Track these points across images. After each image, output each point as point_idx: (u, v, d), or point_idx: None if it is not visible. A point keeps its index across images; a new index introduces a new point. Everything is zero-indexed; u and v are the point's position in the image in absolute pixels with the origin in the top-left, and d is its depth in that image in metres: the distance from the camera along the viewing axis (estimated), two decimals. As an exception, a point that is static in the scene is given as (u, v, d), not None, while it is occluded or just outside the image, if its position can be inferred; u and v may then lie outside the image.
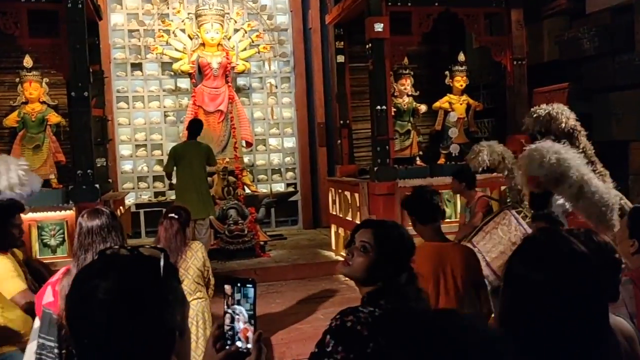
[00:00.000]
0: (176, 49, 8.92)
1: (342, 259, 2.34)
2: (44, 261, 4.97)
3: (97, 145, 7.17)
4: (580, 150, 5.04)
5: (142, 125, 9.89)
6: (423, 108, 7.87)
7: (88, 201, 5.67)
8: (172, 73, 9.51)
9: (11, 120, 6.77)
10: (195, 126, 7.35)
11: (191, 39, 8.85)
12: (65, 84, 6.33)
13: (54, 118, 6.77)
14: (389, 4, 6.76)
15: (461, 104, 7.87)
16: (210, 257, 4.42)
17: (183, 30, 8.92)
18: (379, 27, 6.59)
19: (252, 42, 9.19)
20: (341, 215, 7.85)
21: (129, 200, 9.32)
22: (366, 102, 7.98)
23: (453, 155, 7.67)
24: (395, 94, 7.69)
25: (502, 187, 6.77)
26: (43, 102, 6.81)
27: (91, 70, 6.53)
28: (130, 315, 1.03)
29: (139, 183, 9.88)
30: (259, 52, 9.35)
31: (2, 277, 3.44)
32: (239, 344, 1.29)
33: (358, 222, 7.05)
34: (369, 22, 6.64)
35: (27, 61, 6.67)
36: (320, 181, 10.11)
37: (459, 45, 8.34)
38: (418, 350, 0.97)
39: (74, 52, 6.04)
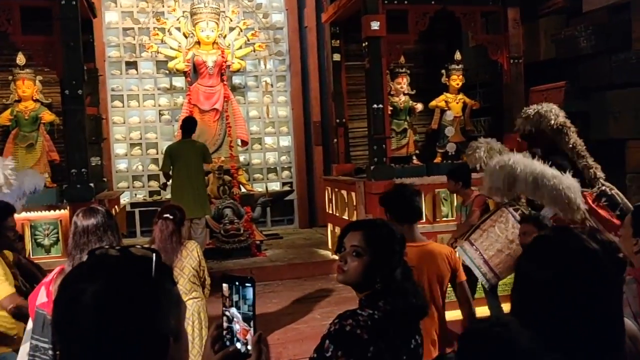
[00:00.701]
0: (171, 48, 8.87)
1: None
2: (37, 261, 4.93)
3: (92, 144, 7.12)
4: (570, 146, 5.17)
5: (137, 124, 9.84)
6: (419, 107, 7.84)
7: (82, 200, 5.62)
8: (167, 71, 9.46)
9: (4, 118, 6.71)
10: (189, 124, 7.31)
11: (186, 37, 8.80)
12: (59, 82, 6.26)
13: (47, 116, 6.71)
14: (385, 2, 6.73)
15: (457, 103, 7.84)
16: (206, 256, 4.38)
17: (178, 29, 8.87)
18: (375, 25, 6.56)
19: (248, 40, 9.14)
20: (337, 214, 7.82)
21: (124, 199, 9.28)
22: (362, 100, 7.95)
23: (449, 154, 7.65)
24: (392, 93, 7.66)
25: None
26: (36, 100, 6.74)
27: (85, 68, 6.49)
28: (120, 320, 0.97)
29: (134, 182, 9.83)
30: (254, 51, 9.32)
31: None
32: (238, 345, 1.25)
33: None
34: (365, 20, 6.61)
35: (20, 59, 6.60)
36: (316, 180, 10.08)
37: (455, 43, 8.31)
38: None
39: (67, 49, 5.99)
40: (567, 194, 4.27)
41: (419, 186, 6.49)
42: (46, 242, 6.05)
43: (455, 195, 6.41)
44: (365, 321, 1.90)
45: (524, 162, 4.57)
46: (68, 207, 5.93)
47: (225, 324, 1.26)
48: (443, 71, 7.81)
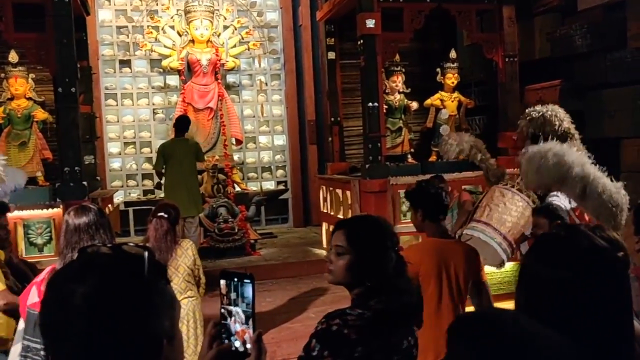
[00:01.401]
0: (165, 46, 8.82)
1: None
2: (30, 260, 4.89)
3: (85, 142, 7.06)
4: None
5: (131, 123, 9.79)
6: (414, 105, 7.83)
7: (75, 199, 5.57)
8: (161, 70, 9.40)
9: (-4, 116, 6.66)
10: (182, 123, 7.28)
11: (180, 35, 8.76)
12: (52, 79, 6.21)
13: (40, 114, 6.66)
14: (381, 0, 6.71)
15: (452, 102, 7.83)
16: (199, 255, 4.35)
17: (172, 27, 8.82)
18: (370, 23, 6.53)
19: (242, 39, 9.11)
20: (332, 213, 7.79)
21: (118, 198, 9.23)
22: (357, 99, 7.93)
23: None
24: (387, 91, 7.64)
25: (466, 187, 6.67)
26: (29, 98, 6.69)
27: (79, 66, 6.43)
28: (111, 323, 0.93)
29: (128, 181, 9.78)
30: (248, 49, 9.28)
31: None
32: (237, 344, 1.21)
33: (349, 220, 7.01)
34: (360, 18, 6.59)
35: (13, 56, 6.55)
36: (310, 179, 10.05)
37: (450, 42, 8.30)
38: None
39: (60, 47, 5.93)
40: (614, 214, 3.95)
41: (413, 184, 6.59)
42: (39, 241, 5.99)
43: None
44: (353, 321, 1.87)
45: (581, 163, 4.15)
46: (61, 206, 5.88)
47: (223, 322, 1.23)
48: (438, 69, 7.79)
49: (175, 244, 3.99)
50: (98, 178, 8.08)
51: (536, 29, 7.70)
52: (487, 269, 4.50)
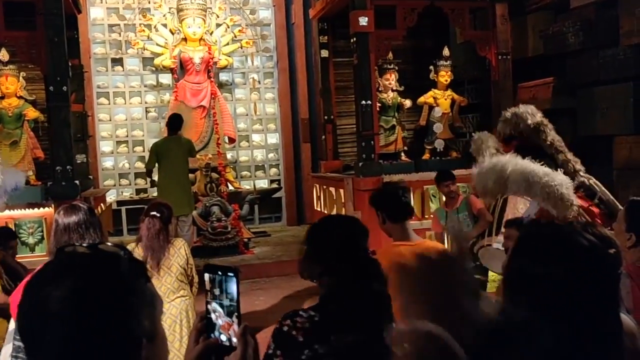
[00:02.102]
0: (157, 44, 8.78)
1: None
2: (22, 260, 4.86)
3: (77, 141, 7.04)
4: (549, 143, 5.21)
5: (124, 122, 9.75)
6: (408, 103, 7.83)
7: (67, 198, 5.53)
8: (154, 68, 9.36)
9: (-13, 116, 6.61)
10: (175, 121, 7.24)
11: (173, 33, 8.72)
12: (43, 78, 6.18)
13: (31, 113, 6.61)
14: (374, -3, 6.71)
15: (446, 99, 7.83)
16: (193, 254, 4.32)
17: (164, 25, 8.79)
18: (363, 20, 6.53)
19: (235, 37, 9.08)
20: (326, 212, 7.79)
21: (110, 197, 9.18)
22: (350, 97, 7.92)
23: (438, 150, 7.64)
24: (380, 89, 7.63)
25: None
26: (20, 97, 6.64)
27: (70, 64, 6.39)
28: (88, 326, 0.91)
29: (120, 180, 9.73)
30: (241, 47, 9.26)
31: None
32: (222, 338, 1.21)
33: (343, 218, 7.00)
34: (353, 15, 6.58)
35: (3, 55, 6.50)
36: (304, 177, 10.03)
37: (443, 40, 8.30)
38: None
39: (51, 45, 5.90)
40: (559, 191, 4.26)
41: (407, 183, 6.59)
42: (30, 240, 5.96)
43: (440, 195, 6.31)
44: (302, 323, 1.86)
45: (513, 161, 4.53)
46: (53, 205, 5.85)
47: (208, 316, 1.22)
48: (431, 67, 7.79)
49: (167, 243, 3.95)
50: (90, 177, 8.05)
51: (529, 26, 7.71)
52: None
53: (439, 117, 7.72)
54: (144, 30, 8.77)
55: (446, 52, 7.79)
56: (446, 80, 7.80)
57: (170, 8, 8.82)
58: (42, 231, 5.97)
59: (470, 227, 5.37)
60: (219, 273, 1.19)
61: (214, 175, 8.24)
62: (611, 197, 4.79)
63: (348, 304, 1.90)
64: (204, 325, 1.22)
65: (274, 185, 10.06)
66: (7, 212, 5.53)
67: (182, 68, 8.63)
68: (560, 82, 7.10)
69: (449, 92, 7.86)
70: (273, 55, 10.29)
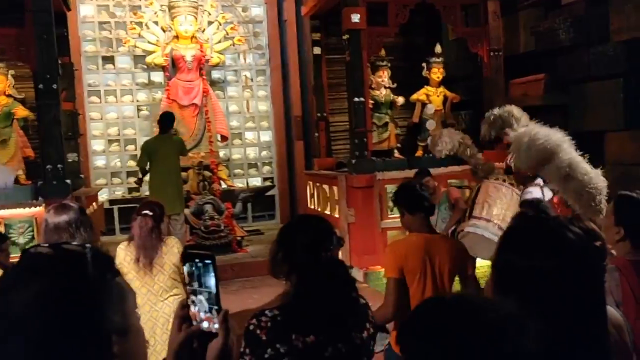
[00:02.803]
0: (149, 42, 8.74)
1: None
2: (13, 260, 4.82)
3: (68, 140, 6.99)
4: None
5: (115, 120, 9.70)
6: (400, 100, 7.83)
7: (58, 197, 5.48)
8: (145, 66, 9.31)
9: (-24, 114, 6.56)
10: (166, 119, 7.21)
11: (164, 31, 8.68)
12: (33, 76, 6.12)
13: (21, 112, 6.57)
14: (366, -6, 6.69)
15: (438, 96, 7.84)
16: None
17: (156, 23, 8.74)
18: (355, 17, 6.51)
19: (227, 34, 9.04)
20: (320, 209, 7.77)
21: (102, 196, 9.14)
22: (343, 94, 7.91)
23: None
24: (373, 86, 7.63)
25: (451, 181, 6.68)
26: (9, 96, 6.61)
27: (60, 62, 6.34)
28: (53, 329, 0.90)
29: (112, 179, 9.68)
30: (233, 45, 9.22)
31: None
32: (204, 325, 1.21)
33: (337, 215, 7.00)
34: (345, 12, 6.56)
35: (-7, 53, 6.46)
36: (297, 175, 10.00)
37: (435, 37, 8.30)
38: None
39: (41, 43, 5.84)
40: (594, 195, 4.04)
41: (401, 180, 6.58)
42: (21, 240, 5.91)
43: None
44: (266, 322, 1.90)
45: (565, 145, 4.19)
46: (43, 205, 5.80)
47: (189, 303, 1.22)
48: (424, 64, 7.79)
49: (160, 242, 3.93)
50: (82, 176, 8.00)
51: (520, 23, 7.72)
52: (480, 262, 4.55)
53: (431, 114, 7.73)
54: (134, 28, 8.72)
55: (438, 49, 7.80)
56: (438, 77, 7.81)
57: (161, 5, 8.76)
58: (33, 231, 5.92)
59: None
60: (197, 260, 1.19)
61: (207, 173, 8.22)
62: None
63: (309, 305, 1.92)
64: (186, 313, 1.22)
65: (267, 183, 10.03)
66: (-3, 212, 5.49)
67: (173, 66, 8.59)
68: (551, 78, 7.11)
69: (441, 89, 7.87)
70: (265, 53, 10.25)
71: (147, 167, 7.12)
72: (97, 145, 9.66)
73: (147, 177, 7.28)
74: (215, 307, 1.18)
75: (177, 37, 8.57)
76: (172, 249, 4.04)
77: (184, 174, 7.70)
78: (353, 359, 1.98)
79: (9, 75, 6.62)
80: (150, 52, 8.72)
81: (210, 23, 8.97)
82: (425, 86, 7.85)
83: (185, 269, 1.20)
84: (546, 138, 4.23)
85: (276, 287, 6.55)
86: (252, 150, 10.32)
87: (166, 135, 7.13)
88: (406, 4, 6.89)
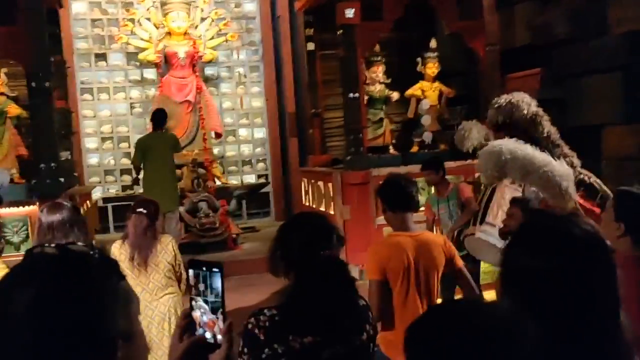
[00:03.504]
0: (142, 39, 8.68)
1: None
2: (7, 259, 4.76)
3: (61, 138, 6.93)
4: (545, 135, 5.15)
5: (108, 117, 9.63)
6: (395, 96, 7.79)
7: (52, 196, 5.38)
8: (138, 63, 9.25)
9: (-32, 113, 6.49)
10: (159, 116, 7.15)
11: (157, 28, 8.61)
12: (25, 74, 6.06)
13: (14, 110, 6.51)
14: (360, -11, 6.64)
15: (433, 92, 7.80)
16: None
17: (148, 19, 8.68)
18: (349, 12, 6.46)
19: (220, 30, 8.99)
20: (315, 206, 7.73)
21: (96, 194, 9.07)
22: (338, 90, 7.86)
23: (426, 143, 7.62)
24: (367, 82, 7.58)
25: (477, 174, 6.70)
26: (2, 94, 6.54)
27: (53, 60, 6.28)
28: (57, 331, 0.87)
29: (106, 177, 9.63)
30: (226, 41, 9.17)
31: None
32: (207, 335, 1.17)
33: (332, 212, 6.96)
34: (339, 7, 6.52)
35: (-16, 51, 6.37)
36: (291, 172, 9.96)
37: (429, 31, 8.26)
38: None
39: (33, 41, 5.78)
40: (559, 182, 4.14)
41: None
42: (15, 239, 5.87)
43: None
44: (264, 322, 1.89)
45: (512, 147, 4.39)
46: (37, 203, 5.74)
47: (192, 313, 1.19)
48: (419, 59, 7.75)
49: (155, 240, 3.89)
50: (75, 174, 7.94)
51: (516, 17, 7.67)
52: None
53: (426, 109, 7.69)
54: (127, 25, 8.66)
55: (433, 43, 7.76)
56: (433, 73, 7.77)
57: (153, 2, 8.69)
58: (27, 229, 5.87)
59: (457, 215, 5.44)
60: (204, 269, 1.15)
61: (201, 170, 8.17)
62: (610, 194, 4.70)
63: (306, 305, 1.89)
64: (187, 323, 1.19)
65: (261, 180, 9.99)
66: (-10, 211, 5.43)
67: (166, 63, 8.53)
68: (548, 72, 7.07)
69: (436, 84, 7.83)
70: (259, 49, 10.20)
71: (141, 165, 7.08)
72: (90, 143, 9.59)
73: (141, 175, 7.24)
74: (221, 310, 1.15)
75: (169, 33, 8.51)
76: (166, 247, 4.00)
77: (178, 171, 7.65)
78: None
79: (2, 74, 6.56)
80: (143, 49, 8.66)
81: (203, 19, 8.91)
82: (421, 81, 7.81)
83: (191, 272, 1.16)
84: (493, 147, 4.42)
85: (273, 285, 6.49)
86: (246, 147, 10.27)
87: (159, 132, 7.08)
88: (401, -2, 6.85)
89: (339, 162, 7.56)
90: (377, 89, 7.70)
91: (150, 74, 9.50)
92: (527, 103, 5.21)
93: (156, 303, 3.83)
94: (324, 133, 8.37)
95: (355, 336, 1.96)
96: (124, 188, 9.46)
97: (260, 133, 10.31)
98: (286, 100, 10.05)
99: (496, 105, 5.42)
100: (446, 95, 7.88)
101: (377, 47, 7.50)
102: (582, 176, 4.84)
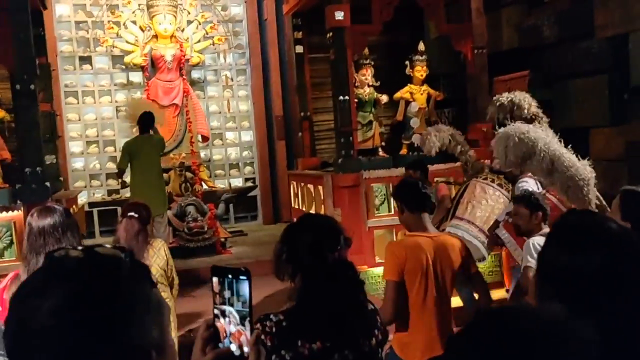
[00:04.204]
0: (127, 42, 8.57)
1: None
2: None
3: (46, 142, 6.81)
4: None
5: (93, 121, 9.50)
6: (384, 98, 7.78)
7: (38, 201, 5.31)
8: (124, 66, 9.14)
9: (-49, 116, 6.36)
10: (146, 119, 7.07)
11: (143, 30, 8.52)
12: (9, 76, 5.95)
13: (-3, 113, 6.38)
14: (349, -9, 6.62)
15: (422, 94, 7.80)
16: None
17: (134, 22, 8.58)
18: (339, 15, 6.43)
19: (207, 33, 8.92)
20: (304, 209, 7.69)
21: (82, 198, 8.94)
22: (327, 93, 7.84)
23: (415, 145, 7.60)
24: (356, 85, 7.56)
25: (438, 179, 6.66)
26: (-15, 97, 6.41)
27: (37, 62, 6.17)
28: (87, 341, 0.79)
29: (92, 181, 9.49)
30: (213, 44, 9.10)
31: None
32: (232, 347, 1.10)
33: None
34: (329, 10, 6.48)
35: (-33, 53, 6.25)
36: (279, 175, 9.91)
37: (417, 35, 8.27)
38: None
39: (17, 42, 5.67)
40: (581, 187, 4.05)
41: (386, 178, 6.54)
42: (-1, 245, 5.74)
43: None
44: (270, 327, 1.85)
45: (545, 139, 4.24)
46: (22, 208, 5.64)
47: (216, 322, 1.12)
48: (407, 62, 7.75)
49: (146, 245, 3.82)
50: (61, 179, 7.82)
51: (503, 19, 7.71)
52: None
53: (415, 112, 7.69)
54: (112, 28, 8.55)
55: (421, 47, 7.76)
56: (422, 75, 7.77)
57: (139, 4, 8.60)
58: (11, 235, 5.75)
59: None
60: (229, 276, 1.08)
61: (188, 174, 8.08)
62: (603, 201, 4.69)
63: (314, 309, 1.85)
64: (211, 334, 1.11)
65: (249, 184, 9.92)
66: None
67: (153, 66, 8.44)
68: (536, 74, 7.10)
69: (424, 87, 7.83)
70: (245, 52, 10.14)
71: (128, 168, 6.98)
72: (75, 147, 9.46)
73: (127, 179, 7.14)
74: (249, 319, 1.09)
75: (156, 36, 8.43)
76: (159, 252, 3.94)
77: (165, 175, 7.56)
78: None
79: (-16, 76, 6.43)
80: (129, 52, 8.56)
81: (189, 22, 8.84)
82: (409, 84, 7.81)
83: (215, 280, 1.09)
84: (524, 134, 4.29)
85: (264, 289, 6.43)
86: (233, 151, 10.20)
87: (146, 135, 6.99)
88: (390, 1, 6.84)
89: (328, 165, 7.53)
90: (366, 92, 7.68)
91: (137, 77, 9.40)
92: (528, 103, 5.24)
93: (148, 309, 3.76)
94: (313, 136, 8.33)
95: (364, 341, 1.92)
96: (110, 192, 9.33)
97: (248, 136, 10.25)
98: (273, 103, 10.00)
99: (498, 103, 5.42)
100: (434, 98, 7.89)
101: (366, 50, 7.48)
102: None
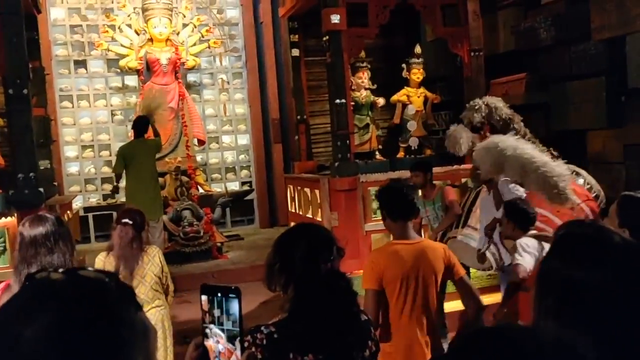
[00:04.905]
0: (122, 45, 8.53)
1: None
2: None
3: (40, 146, 6.75)
4: (521, 134, 5.29)
5: (89, 125, 9.47)
6: (381, 101, 7.75)
7: (31, 207, 5.26)
8: (119, 70, 9.10)
9: (-57, 121, 6.30)
10: (141, 124, 7.02)
11: (138, 34, 8.48)
12: (2, 81, 5.89)
13: (-10, 118, 6.32)
14: (345, -6, 6.58)
15: (419, 97, 7.77)
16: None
17: (129, 26, 8.53)
18: (335, 18, 6.39)
19: (202, 37, 8.89)
20: (301, 213, 7.64)
21: (77, 204, 8.88)
22: (323, 96, 7.81)
23: (412, 148, 7.59)
24: (353, 88, 7.53)
25: (463, 179, 6.67)
26: (-22, 102, 6.34)
27: (31, 67, 6.11)
28: None
29: (87, 186, 9.45)
30: (209, 47, 9.07)
31: None
32: None
33: (319, 219, 6.87)
34: (325, 13, 6.44)
35: (-40, 58, 6.19)
36: (275, 179, 9.88)
37: (414, 38, 8.24)
38: None
39: (10, 46, 5.61)
40: (556, 183, 4.15)
41: (384, 181, 6.49)
42: (-8, 252, 5.67)
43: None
44: (261, 340, 1.81)
45: (514, 145, 4.41)
46: (16, 215, 5.57)
47: (205, 342, 1.08)
48: (403, 65, 7.72)
49: (141, 252, 3.78)
50: (55, 184, 7.75)
51: (500, 22, 7.70)
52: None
53: (412, 115, 7.67)
54: (107, 31, 8.51)
55: (418, 49, 7.73)
56: (418, 78, 7.74)
57: (134, 8, 8.56)
58: (5, 242, 5.67)
59: (442, 218, 5.52)
60: (219, 294, 1.05)
61: (184, 178, 8.04)
62: (599, 186, 4.78)
63: (307, 320, 1.82)
64: (200, 354, 1.08)
65: (246, 188, 9.89)
66: (-33, 223, 5.26)
67: (148, 69, 8.39)
68: (532, 77, 7.10)
69: (421, 89, 7.80)
70: (242, 55, 10.12)
71: (123, 173, 6.93)
72: (70, 151, 9.42)
73: (122, 184, 7.10)
74: (239, 339, 1.05)
75: (151, 40, 8.38)
76: (153, 259, 3.89)
77: (160, 179, 7.51)
78: None
79: (-23, 80, 6.36)
80: (124, 56, 8.51)
81: (185, 25, 8.80)
82: (406, 87, 7.77)
83: (204, 298, 1.06)
84: (495, 146, 4.52)
85: (259, 295, 6.37)
86: (229, 154, 10.17)
87: (141, 139, 6.95)
88: (386, 4, 6.80)
89: (325, 168, 7.49)
90: (363, 95, 7.65)
91: (132, 80, 9.37)
92: (502, 106, 5.46)
93: (142, 316, 3.71)
94: (309, 139, 8.29)
95: (358, 352, 1.88)
96: (105, 197, 9.27)
97: (244, 140, 10.21)
98: (270, 106, 9.99)
99: (476, 107, 5.57)
100: (431, 100, 7.85)
101: (363, 53, 7.45)
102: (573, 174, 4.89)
